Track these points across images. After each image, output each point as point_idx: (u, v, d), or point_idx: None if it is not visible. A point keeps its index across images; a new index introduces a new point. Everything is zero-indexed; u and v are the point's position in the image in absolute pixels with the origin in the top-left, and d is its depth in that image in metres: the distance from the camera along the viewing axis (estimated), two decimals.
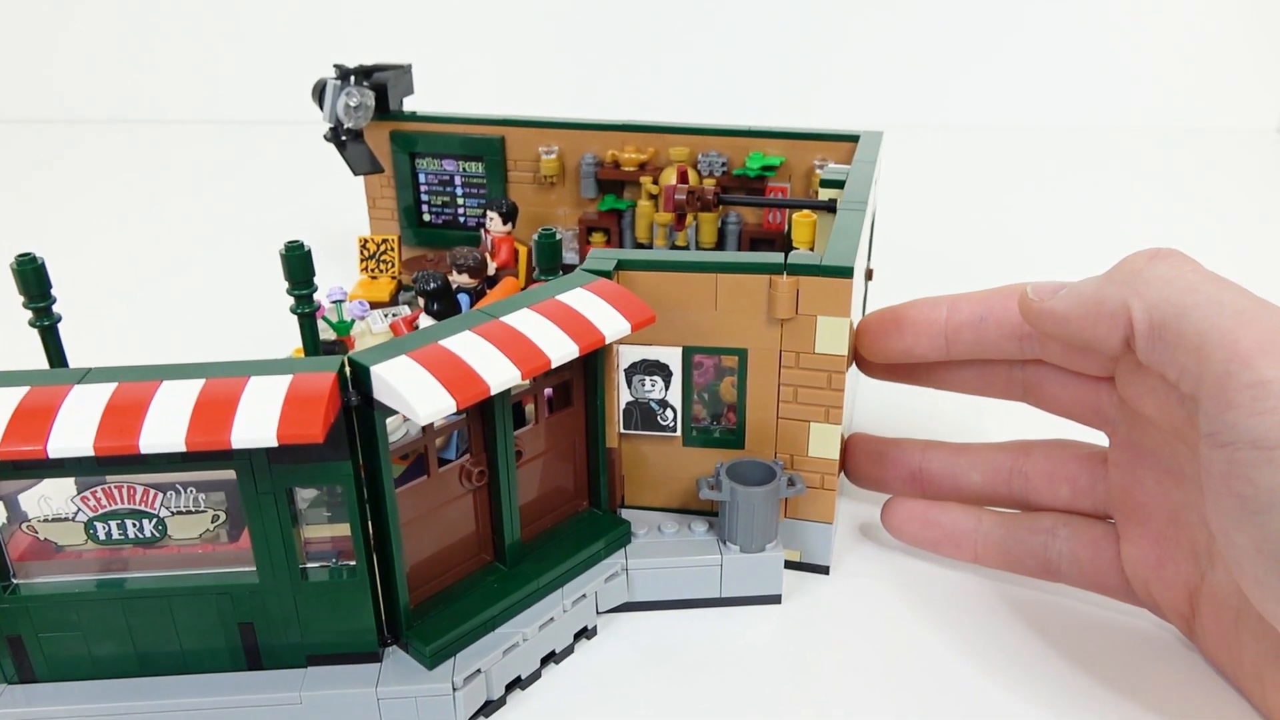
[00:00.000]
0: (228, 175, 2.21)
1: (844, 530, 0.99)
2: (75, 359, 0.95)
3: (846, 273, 0.81)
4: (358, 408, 0.68)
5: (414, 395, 0.64)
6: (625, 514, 0.92)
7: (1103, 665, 0.82)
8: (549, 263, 0.88)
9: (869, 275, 1.24)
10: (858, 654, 0.84)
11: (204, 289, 1.56)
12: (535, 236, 0.88)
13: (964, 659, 0.83)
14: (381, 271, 1.39)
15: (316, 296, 0.96)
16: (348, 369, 0.68)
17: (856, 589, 0.91)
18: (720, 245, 1.34)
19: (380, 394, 0.66)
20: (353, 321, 1.15)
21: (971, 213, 1.96)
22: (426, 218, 1.48)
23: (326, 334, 1.18)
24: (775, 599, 0.89)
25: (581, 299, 0.78)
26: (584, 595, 0.83)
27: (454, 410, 0.65)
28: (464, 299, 1.19)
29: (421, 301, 1.08)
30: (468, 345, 0.70)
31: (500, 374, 0.68)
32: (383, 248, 1.38)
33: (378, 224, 1.49)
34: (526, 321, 0.74)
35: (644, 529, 0.90)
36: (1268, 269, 1.69)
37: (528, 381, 0.81)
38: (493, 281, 1.28)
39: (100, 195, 2.07)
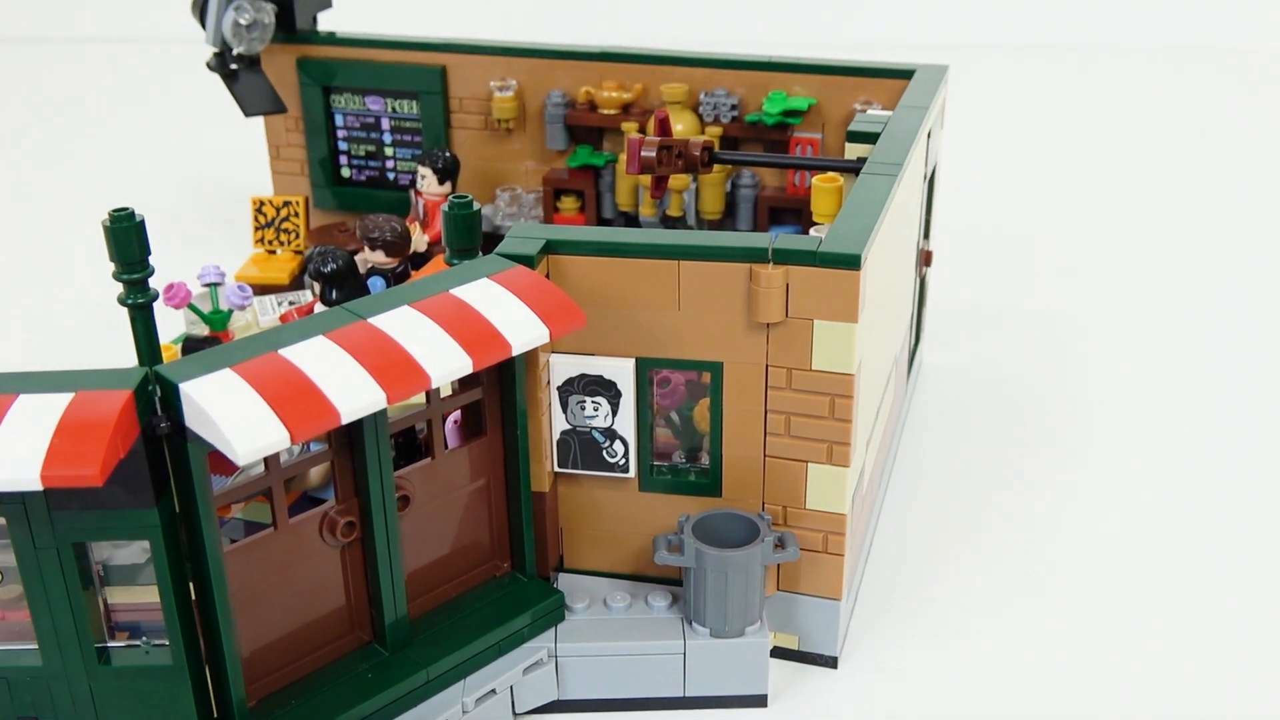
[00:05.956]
0: (85, 110, 2.19)
1: (865, 608, 0.98)
2: None
3: (853, 262, 0.80)
4: (169, 438, 0.68)
5: (232, 425, 0.63)
6: (562, 580, 0.92)
7: None
8: (464, 242, 0.87)
9: (927, 260, 1.23)
10: None
11: (46, 263, 1.56)
12: (445, 206, 0.87)
13: None
14: (282, 244, 1.40)
15: (192, 276, 0.97)
16: (155, 386, 0.68)
17: (871, 689, 0.90)
18: (729, 216, 1.33)
19: (192, 421, 0.66)
20: (230, 312, 1.15)
21: (1068, 162, 1.94)
22: (346, 173, 1.48)
23: (197, 327, 1.19)
24: (760, 700, 0.88)
25: (486, 294, 0.77)
26: (493, 690, 0.83)
27: (286, 445, 0.65)
28: (377, 283, 1.19)
29: (317, 288, 1.08)
30: (318, 356, 0.69)
31: (357, 397, 0.68)
32: (284, 213, 1.39)
33: (282, 181, 1.50)
34: (404, 324, 0.73)
35: (584, 601, 0.89)
36: None
37: (419, 402, 0.81)
38: (420, 261, 1.28)
39: None
